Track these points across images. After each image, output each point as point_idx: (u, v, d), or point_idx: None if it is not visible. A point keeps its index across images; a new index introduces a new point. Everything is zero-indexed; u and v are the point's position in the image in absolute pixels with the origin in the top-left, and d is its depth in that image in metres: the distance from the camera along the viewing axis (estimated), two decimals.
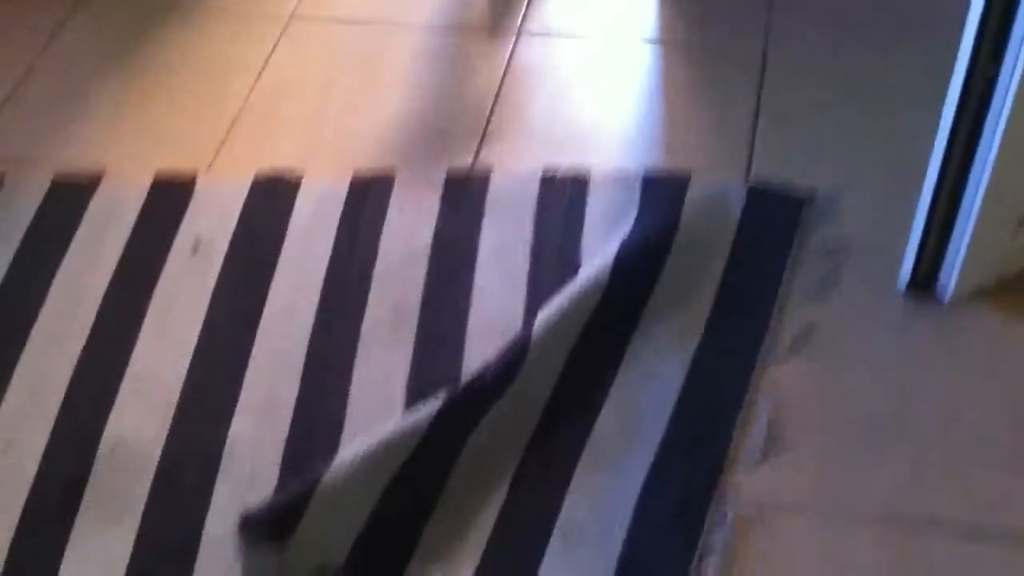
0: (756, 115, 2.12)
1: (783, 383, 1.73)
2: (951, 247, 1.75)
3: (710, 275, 1.87)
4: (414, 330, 1.83)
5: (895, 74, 2.15)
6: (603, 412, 1.72)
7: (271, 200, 2.04)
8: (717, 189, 1.98)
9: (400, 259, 1.93)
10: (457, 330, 1.83)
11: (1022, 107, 1.54)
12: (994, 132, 1.58)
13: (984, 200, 1.65)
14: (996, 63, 1.53)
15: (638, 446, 1.67)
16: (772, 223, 1.94)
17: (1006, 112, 1.55)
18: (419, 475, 1.62)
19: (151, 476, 1.67)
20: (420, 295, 1.88)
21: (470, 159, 2.09)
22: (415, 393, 1.74)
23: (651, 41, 2.32)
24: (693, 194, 1.97)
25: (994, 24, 1.49)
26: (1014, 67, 1.51)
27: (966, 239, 1.71)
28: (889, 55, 2.20)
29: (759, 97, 2.15)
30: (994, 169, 1.61)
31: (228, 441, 1.71)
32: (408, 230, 1.97)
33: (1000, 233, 1.73)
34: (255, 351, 1.83)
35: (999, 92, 1.55)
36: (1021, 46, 1.48)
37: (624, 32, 2.33)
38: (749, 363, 1.76)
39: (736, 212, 1.95)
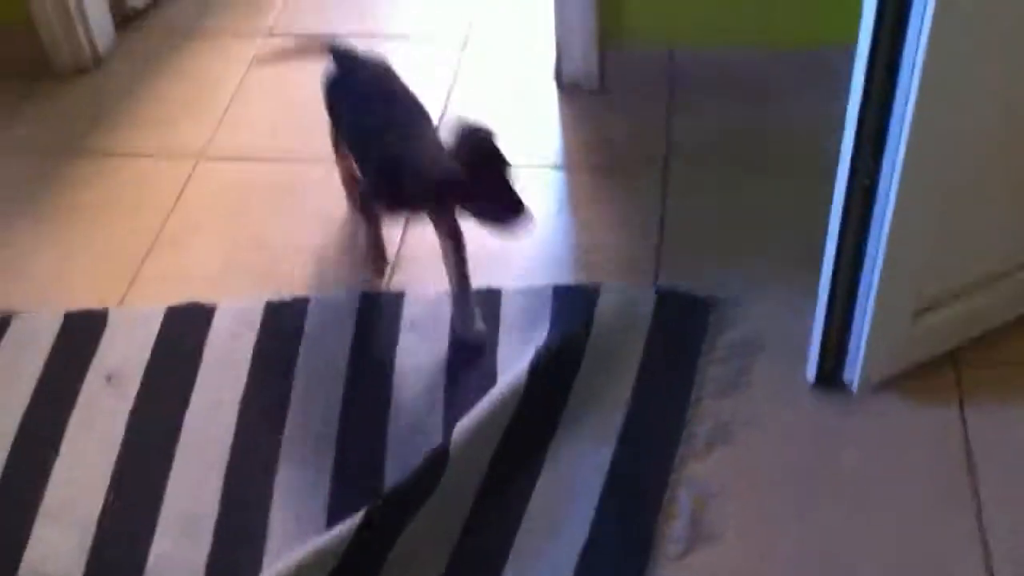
0: (661, 228, 2.20)
1: (702, 477, 1.77)
2: (852, 340, 1.82)
3: (624, 378, 1.91)
4: (333, 447, 1.84)
5: (790, 187, 2.25)
6: (525, 519, 1.73)
7: (185, 329, 2.05)
8: (627, 296, 2.04)
9: (318, 379, 1.94)
10: (376, 446, 1.84)
11: (903, 210, 1.63)
12: (879, 235, 1.66)
13: (879, 294, 1.73)
14: (874, 173, 1.62)
15: (562, 551, 1.68)
16: (682, 325, 2.00)
17: (889, 215, 1.63)
18: None
19: None
20: (338, 413, 1.89)
21: (383, 282, 2.12)
22: (336, 508, 1.74)
23: (556, 167, 2.41)
24: (603, 302, 2.03)
25: (871, 130, 1.59)
26: (892, 174, 1.60)
27: (866, 331, 1.78)
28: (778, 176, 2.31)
29: (663, 210, 2.23)
30: (884, 266, 1.69)
31: (150, 563, 1.68)
32: (324, 351, 1.98)
33: (899, 323, 1.80)
34: (173, 473, 1.81)
35: (880, 198, 1.64)
36: (897, 152, 1.57)
37: (530, 160, 2.42)
38: (667, 461, 1.79)
39: (647, 317, 2.01)
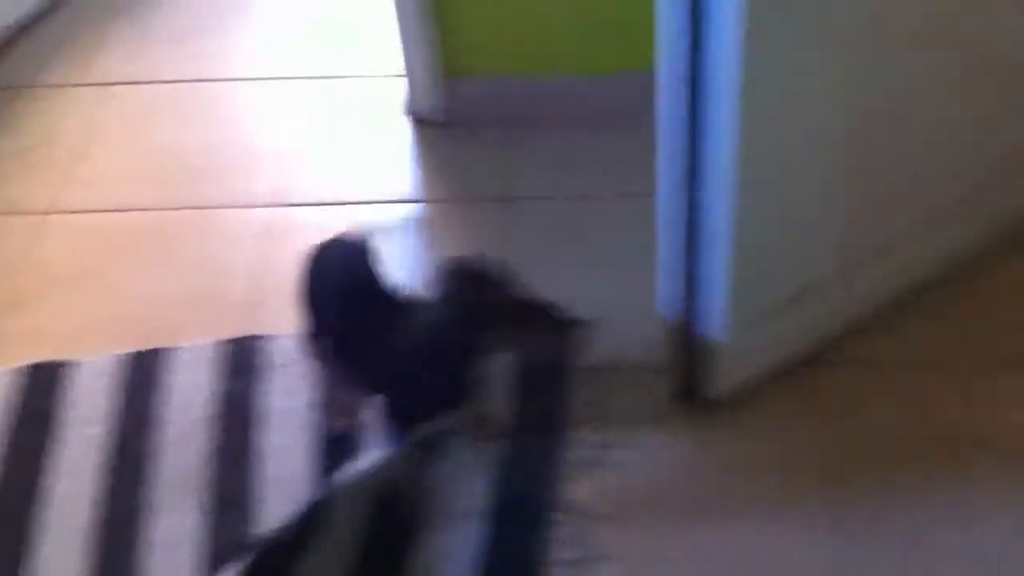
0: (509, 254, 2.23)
1: (584, 500, 1.80)
2: (704, 354, 1.86)
3: (500, 409, 1.92)
4: (203, 496, 1.81)
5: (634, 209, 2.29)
6: (411, 554, 1.72)
7: (42, 388, 2.00)
8: None
9: (182, 428, 1.92)
10: (246, 493, 1.82)
11: (740, 222, 1.68)
12: (718, 249, 1.71)
13: (725, 304, 1.78)
14: (700, 188, 1.68)
15: None
16: (544, 352, 2.01)
17: (726, 228, 1.68)
18: None
19: None
20: (206, 461, 1.86)
21: (244, 326, 2.10)
22: (208, 558, 1.72)
23: (411, 200, 2.43)
24: None
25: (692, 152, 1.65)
26: (721, 187, 1.65)
27: (717, 344, 1.83)
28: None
29: (508, 240, 2.26)
30: (727, 277, 1.74)
31: None
32: (188, 399, 1.96)
33: (745, 333, 1.85)
34: (37, 541, 1.76)
35: (712, 212, 1.68)
36: (725, 172, 1.63)
37: (384, 194, 2.43)
38: (547, 490, 1.81)
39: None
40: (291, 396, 1.97)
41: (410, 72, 2.53)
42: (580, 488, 1.81)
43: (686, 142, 1.64)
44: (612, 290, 2.12)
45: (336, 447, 1.86)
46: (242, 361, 2.03)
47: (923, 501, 1.78)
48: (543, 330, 1.67)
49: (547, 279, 2.13)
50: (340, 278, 1.81)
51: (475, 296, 1.60)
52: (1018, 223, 2.13)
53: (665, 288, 1.84)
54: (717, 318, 1.80)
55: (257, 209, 2.40)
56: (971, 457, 1.83)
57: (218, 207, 2.41)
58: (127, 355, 2.05)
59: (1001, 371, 1.95)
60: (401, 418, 1.73)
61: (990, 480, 1.80)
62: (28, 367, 2.04)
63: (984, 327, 2.02)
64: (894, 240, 1.96)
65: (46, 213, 2.40)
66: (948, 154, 1.93)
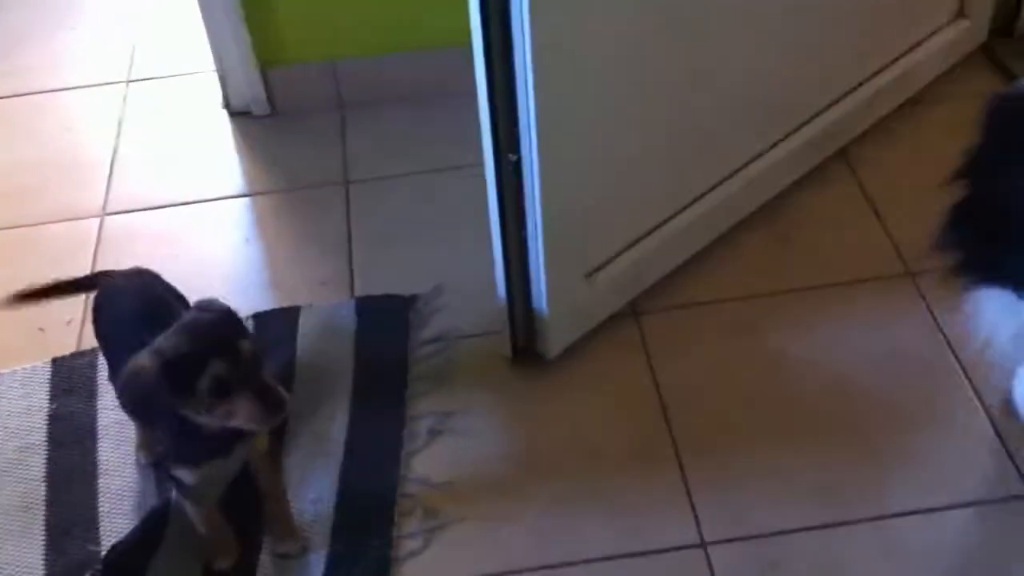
0: (349, 240, 2.23)
1: (428, 468, 1.82)
2: (535, 311, 1.90)
3: (340, 392, 1.95)
4: (44, 517, 1.79)
5: (463, 181, 2.32)
6: (264, 547, 1.73)
7: None
8: (328, 311, 2.07)
9: (18, 450, 1.88)
10: (89, 509, 1.80)
11: (551, 181, 1.72)
12: (534, 208, 1.75)
13: (547, 262, 1.81)
14: (516, 150, 1.71)
15: (306, 567, 1.70)
16: (385, 329, 2.04)
17: (537, 188, 1.72)
18: None
19: None
20: (44, 482, 1.84)
21: (72, 344, 2.07)
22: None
23: (239, 196, 2.41)
24: (305, 321, 2.05)
25: (505, 117, 1.67)
26: (531, 151, 1.68)
27: (544, 300, 1.87)
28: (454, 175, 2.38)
29: (348, 223, 2.27)
30: (545, 235, 1.78)
31: None
32: (19, 422, 1.93)
33: (574, 286, 1.90)
34: None
35: (527, 174, 1.72)
36: (530, 130, 1.66)
37: (211, 192, 2.41)
38: (394, 463, 1.83)
39: (350, 328, 2.04)
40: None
41: (223, 67, 2.50)
42: (427, 456, 1.84)
43: (494, 108, 1.66)
44: (451, 262, 2.15)
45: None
46: (74, 380, 2.00)
47: (766, 428, 1.84)
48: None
49: (388, 257, 2.17)
50: (133, 310, 1.69)
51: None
52: (819, 153, 2.23)
53: (496, 255, 1.86)
54: (542, 274, 1.83)
55: (85, 220, 2.36)
56: (797, 391, 1.89)
57: (40, 223, 2.37)
58: None
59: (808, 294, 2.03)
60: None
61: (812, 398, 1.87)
62: None
63: (785, 258, 2.10)
64: (701, 185, 2.03)
65: None
66: (739, 107, 2.01)
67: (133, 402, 1.55)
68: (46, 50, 2.88)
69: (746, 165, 2.09)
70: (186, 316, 1.54)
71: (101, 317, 1.76)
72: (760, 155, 2.11)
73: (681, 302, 2.03)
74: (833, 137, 2.23)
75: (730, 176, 2.07)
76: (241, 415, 1.48)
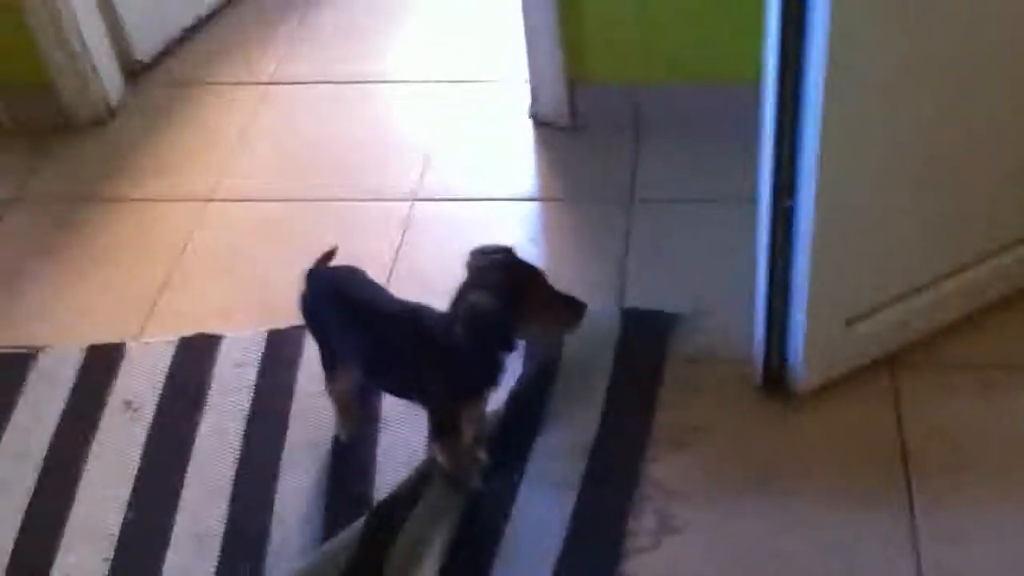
0: (625, 254, 2.40)
1: (667, 477, 1.96)
2: (791, 348, 2.01)
3: (597, 391, 2.11)
4: (328, 458, 2.04)
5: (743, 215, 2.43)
6: (509, 524, 1.92)
7: (195, 358, 2.26)
8: (596, 315, 2.22)
9: (313, 399, 2.14)
10: (366, 458, 2.04)
11: (823, 229, 1.81)
12: (804, 252, 1.85)
13: (809, 305, 1.91)
14: (792, 196, 1.82)
15: (544, 547, 1.88)
16: (645, 341, 2.19)
17: (809, 234, 1.82)
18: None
19: None
20: (332, 429, 2.09)
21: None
22: (333, 512, 1.95)
23: (532, 199, 2.62)
24: None
25: (784, 156, 1.78)
26: (809, 197, 1.79)
27: (801, 340, 1.97)
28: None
29: (627, 238, 2.44)
30: (811, 279, 1.88)
31: (163, 573, 1.90)
32: (319, 374, 2.15)
33: (833, 332, 1.99)
34: (185, 491, 2.02)
35: (801, 219, 1.83)
36: (811, 175, 1.76)
37: (508, 192, 2.63)
38: (635, 467, 1.98)
39: (615, 333, 2.20)
40: None
41: (535, 79, 2.72)
42: (667, 465, 1.97)
43: (778, 152, 1.78)
44: (716, 288, 2.27)
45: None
46: None
47: (992, 499, 1.88)
48: (561, 320, 1.83)
49: (658, 274, 2.32)
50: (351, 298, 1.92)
51: (504, 285, 1.75)
52: None
53: (759, 288, 1.98)
54: (803, 315, 1.93)
55: (394, 203, 2.63)
56: None
57: (359, 200, 2.65)
58: (268, 333, 2.29)
59: None
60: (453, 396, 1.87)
61: None
62: (184, 339, 2.30)
63: None
64: (977, 250, 2.07)
65: (205, 201, 2.68)
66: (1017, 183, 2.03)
67: (479, 338, 1.76)
68: (377, 43, 3.18)
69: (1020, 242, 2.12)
70: (480, 261, 1.81)
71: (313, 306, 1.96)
72: None
73: (941, 361, 2.08)
74: None
75: (1002, 250, 2.10)
76: (558, 320, 1.82)
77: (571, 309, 1.82)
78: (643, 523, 1.90)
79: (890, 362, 2.08)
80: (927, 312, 2.08)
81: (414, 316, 1.85)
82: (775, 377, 2.06)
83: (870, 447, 1.97)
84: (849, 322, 2.00)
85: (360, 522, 1.87)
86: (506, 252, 1.82)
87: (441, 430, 1.89)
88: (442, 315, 1.80)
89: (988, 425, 1.98)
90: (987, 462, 1.93)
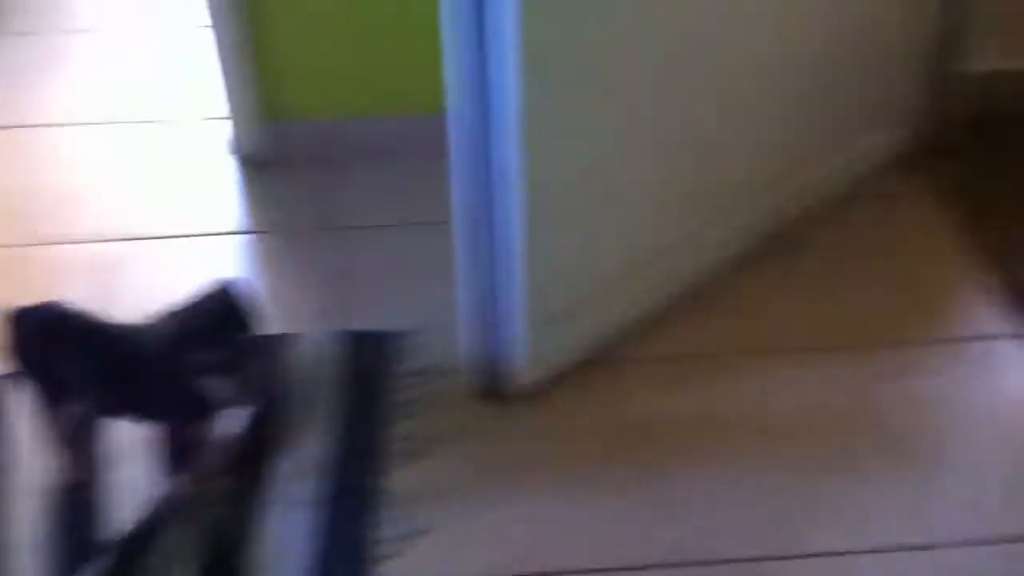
0: (336, 279, 2.47)
1: (406, 485, 2.04)
2: (505, 353, 2.14)
3: (329, 410, 2.16)
4: (56, 504, 1.97)
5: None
6: (257, 541, 1.93)
7: None
8: (318, 340, 2.29)
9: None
10: (97, 497, 1.98)
11: (529, 227, 1.95)
12: (509, 255, 1.99)
13: (519, 307, 2.06)
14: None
15: (293, 567, 1.90)
16: (369, 360, 2.27)
17: (516, 234, 1.96)
18: None
19: None
20: (54, 475, 2.01)
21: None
22: (68, 560, 1.88)
23: (239, 233, 2.63)
24: (300, 348, 2.27)
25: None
26: (508, 197, 1.93)
27: (517, 344, 2.11)
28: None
29: (344, 261, 2.50)
30: (519, 280, 2.02)
31: None
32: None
33: (536, 337, 2.12)
34: None
35: (499, 220, 1.96)
36: (509, 179, 1.90)
37: (213, 228, 2.63)
38: (375, 476, 2.05)
39: (342, 355, 2.27)
40: None
41: (235, 115, 2.75)
42: (404, 475, 2.05)
43: (475, 175, 1.93)
44: (425, 303, 2.37)
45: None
46: None
47: (696, 478, 2.05)
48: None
49: (367, 297, 2.39)
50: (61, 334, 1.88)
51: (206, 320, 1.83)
52: (780, 227, 2.49)
53: (463, 301, 2.11)
54: (509, 327, 2.08)
55: (85, 244, 2.56)
56: (742, 437, 2.12)
57: (46, 244, 2.56)
58: None
59: (768, 359, 2.27)
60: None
61: (758, 457, 2.08)
62: None
63: (753, 321, 2.35)
64: (667, 248, 2.28)
65: None
66: (715, 166, 2.26)
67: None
68: (49, 86, 3.10)
69: (716, 228, 2.34)
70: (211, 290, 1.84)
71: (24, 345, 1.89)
72: (730, 220, 2.37)
73: (646, 355, 2.26)
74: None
75: (703, 238, 2.33)
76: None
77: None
78: (389, 531, 1.96)
79: (591, 362, 2.23)
80: (623, 311, 2.26)
81: (142, 334, 1.85)
82: (492, 383, 2.18)
83: (579, 439, 2.12)
84: (553, 325, 2.13)
85: (99, 566, 1.83)
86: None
87: (180, 457, 1.87)
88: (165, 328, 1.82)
89: (682, 410, 2.17)
90: (682, 443, 2.11)
